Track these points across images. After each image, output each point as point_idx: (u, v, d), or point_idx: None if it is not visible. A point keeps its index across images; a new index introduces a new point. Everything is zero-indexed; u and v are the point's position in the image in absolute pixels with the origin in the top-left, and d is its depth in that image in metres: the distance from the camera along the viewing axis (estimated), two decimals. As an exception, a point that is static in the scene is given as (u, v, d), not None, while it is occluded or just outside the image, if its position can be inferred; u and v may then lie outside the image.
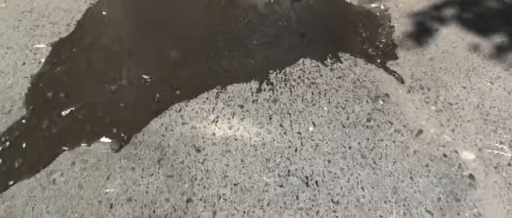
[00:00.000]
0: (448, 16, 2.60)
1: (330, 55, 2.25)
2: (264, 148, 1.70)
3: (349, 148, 1.72)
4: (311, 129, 1.80)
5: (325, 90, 2.01)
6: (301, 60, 2.19)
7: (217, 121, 1.81)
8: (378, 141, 1.75)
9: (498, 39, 2.40)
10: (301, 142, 1.73)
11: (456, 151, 1.72)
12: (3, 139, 1.70)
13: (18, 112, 1.82)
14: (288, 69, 2.13)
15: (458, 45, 2.35)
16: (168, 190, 1.53)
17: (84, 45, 2.25)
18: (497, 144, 1.76)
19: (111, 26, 2.42)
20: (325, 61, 2.19)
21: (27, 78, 2.00)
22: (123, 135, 1.74)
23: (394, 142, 1.75)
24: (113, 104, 1.89)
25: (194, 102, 1.91)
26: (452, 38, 2.42)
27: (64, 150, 1.66)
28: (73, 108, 1.85)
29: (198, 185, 1.55)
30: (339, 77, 2.09)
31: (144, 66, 2.12)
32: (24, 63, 2.08)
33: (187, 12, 2.59)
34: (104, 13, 2.52)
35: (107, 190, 1.52)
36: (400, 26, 2.50)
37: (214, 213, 1.46)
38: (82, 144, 1.69)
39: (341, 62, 2.19)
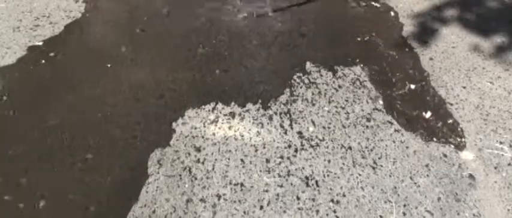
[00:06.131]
0: (448, 16, 2.61)
1: (329, 55, 2.25)
2: (264, 148, 1.70)
3: (349, 148, 1.72)
4: (311, 129, 1.80)
5: (325, 90, 2.01)
6: (301, 60, 2.20)
7: (217, 121, 1.81)
8: (378, 141, 1.75)
9: (498, 39, 2.40)
10: (301, 142, 1.73)
11: (456, 151, 1.72)
12: None
13: (18, 112, 1.82)
14: (288, 69, 2.13)
15: (458, 45, 2.35)
16: (168, 190, 1.52)
17: (84, 45, 2.25)
18: (497, 144, 1.76)
19: (111, 27, 2.42)
20: (325, 61, 2.19)
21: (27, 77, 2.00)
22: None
23: (394, 142, 1.75)
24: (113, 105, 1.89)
25: (194, 102, 1.91)
26: (452, 38, 2.42)
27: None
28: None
29: (198, 185, 1.55)
30: (339, 77, 2.09)
31: (143, 67, 2.12)
32: (24, 63, 2.08)
33: (187, 14, 2.59)
34: (104, 15, 2.52)
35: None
36: (400, 26, 2.50)
37: (214, 213, 1.46)
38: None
39: (341, 62, 2.19)
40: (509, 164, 1.68)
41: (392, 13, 2.62)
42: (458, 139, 1.77)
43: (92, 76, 2.03)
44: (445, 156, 1.70)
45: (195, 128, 1.78)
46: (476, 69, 2.17)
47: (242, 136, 1.75)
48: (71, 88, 1.96)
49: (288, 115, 1.86)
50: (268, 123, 1.82)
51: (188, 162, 1.63)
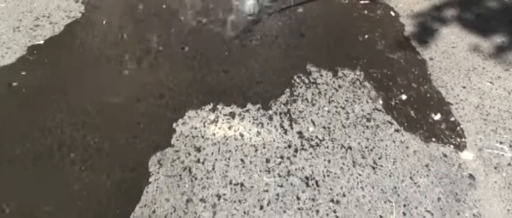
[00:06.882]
0: (448, 16, 2.61)
1: (329, 55, 2.25)
2: (264, 148, 1.70)
3: (349, 148, 1.72)
4: (311, 129, 1.80)
5: (325, 90, 2.01)
6: (301, 60, 2.19)
7: (217, 121, 1.81)
8: (378, 141, 1.75)
9: (498, 39, 2.40)
10: (301, 142, 1.73)
11: (456, 151, 1.72)
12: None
13: (18, 112, 1.82)
14: (288, 69, 2.13)
15: (458, 45, 2.35)
16: (168, 190, 1.52)
17: (84, 45, 2.25)
18: (497, 144, 1.76)
19: (111, 27, 2.42)
20: (325, 61, 2.19)
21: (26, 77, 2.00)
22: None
23: (394, 142, 1.75)
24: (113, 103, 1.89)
25: (194, 102, 1.91)
26: (452, 38, 2.42)
27: (64, 150, 1.66)
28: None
29: (198, 185, 1.55)
30: (339, 77, 2.09)
31: (144, 67, 2.12)
32: (24, 63, 2.08)
33: (187, 14, 2.59)
34: (104, 15, 2.52)
35: (107, 190, 1.52)
36: (400, 26, 2.50)
37: (214, 213, 1.46)
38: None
39: (341, 62, 2.19)
40: (509, 164, 1.68)
41: (392, 13, 2.62)
42: (458, 139, 1.77)
43: (92, 76, 2.03)
44: (445, 156, 1.70)
45: (195, 128, 1.78)
46: (476, 69, 2.17)
47: (242, 136, 1.75)
48: (71, 88, 1.96)
49: (288, 115, 1.86)
50: (268, 123, 1.82)
51: (188, 162, 1.63)
